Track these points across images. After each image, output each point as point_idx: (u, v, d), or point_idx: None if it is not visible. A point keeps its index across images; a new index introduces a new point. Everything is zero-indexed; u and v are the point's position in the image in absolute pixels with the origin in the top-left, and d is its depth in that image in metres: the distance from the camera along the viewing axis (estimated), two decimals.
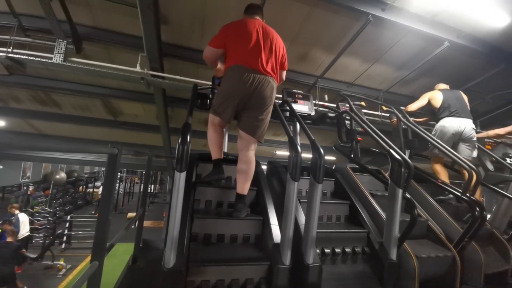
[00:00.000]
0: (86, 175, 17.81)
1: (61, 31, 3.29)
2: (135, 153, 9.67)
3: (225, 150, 2.36)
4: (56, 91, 5.13)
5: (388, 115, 4.96)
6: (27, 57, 3.38)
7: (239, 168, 1.95)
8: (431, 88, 3.69)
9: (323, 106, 4.28)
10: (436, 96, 3.42)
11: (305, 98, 2.94)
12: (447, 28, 3.70)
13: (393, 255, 1.82)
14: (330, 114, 3.31)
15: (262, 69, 1.92)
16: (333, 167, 2.87)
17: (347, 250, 1.99)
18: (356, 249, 2.01)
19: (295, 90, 2.95)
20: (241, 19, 2.13)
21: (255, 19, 2.11)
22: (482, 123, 5.50)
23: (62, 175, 13.00)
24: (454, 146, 3.23)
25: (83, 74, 3.90)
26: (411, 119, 3.19)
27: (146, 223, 6.17)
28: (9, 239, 5.50)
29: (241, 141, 1.99)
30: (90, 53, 3.87)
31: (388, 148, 1.98)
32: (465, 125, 3.18)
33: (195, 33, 3.87)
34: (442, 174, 3.19)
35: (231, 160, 2.25)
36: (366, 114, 4.19)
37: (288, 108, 2.54)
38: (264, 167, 2.61)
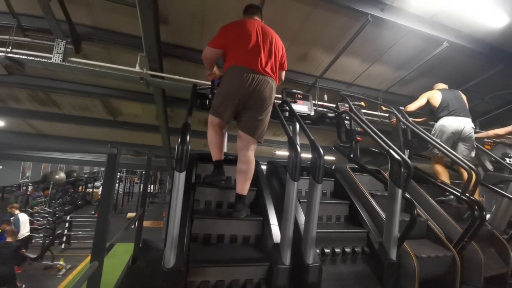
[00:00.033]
0: (85, 175, 17.80)
1: (60, 31, 3.29)
2: (134, 153, 9.67)
3: (225, 150, 2.36)
4: (55, 91, 5.12)
5: (387, 115, 4.97)
6: (26, 57, 3.37)
7: (239, 168, 1.95)
8: (430, 88, 3.70)
9: (322, 106, 4.28)
10: (435, 96, 3.43)
11: (305, 98, 2.94)
12: (446, 28, 3.70)
13: (393, 255, 1.82)
14: (329, 114, 3.31)
15: (261, 69, 1.92)
16: (333, 167, 2.87)
17: (347, 250, 1.99)
18: (356, 249, 2.01)
19: (294, 90, 2.95)
20: (240, 19, 2.14)
21: (254, 19, 2.12)
22: (481, 123, 5.51)
23: (62, 175, 13.00)
24: (453, 146, 3.24)
25: (83, 74, 3.90)
26: (410, 119, 3.19)
27: (146, 223, 6.16)
28: (9, 239, 5.50)
29: (241, 141, 1.99)
30: (90, 53, 3.87)
31: (388, 148, 1.98)
32: (464, 124, 3.18)
33: (194, 33, 3.87)
34: (443, 175, 3.18)
35: (231, 160, 2.25)
36: (365, 114, 4.19)
37: (287, 108, 2.54)
38: (263, 167, 2.61)
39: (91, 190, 17.30)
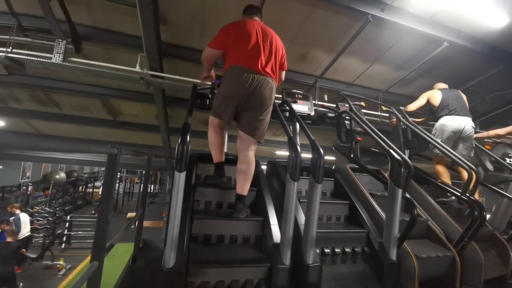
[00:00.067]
0: (86, 175, 17.81)
1: (60, 31, 3.29)
2: (134, 153, 9.67)
3: (225, 150, 2.36)
4: (55, 91, 5.12)
5: (387, 115, 4.97)
6: (26, 57, 3.38)
7: (239, 169, 1.95)
8: (430, 88, 3.69)
9: (322, 106, 4.28)
10: (435, 95, 3.42)
11: (305, 98, 2.95)
12: (446, 28, 3.70)
13: (393, 255, 1.82)
14: (329, 114, 3.31)
15: (261, 69, 1.92)
16: (333, 167, 2.87)
17: (347, 250, 1.99)
18: (356, 249, 2.01)
19: (294, 90, 2.95)
20: (240, 20, 2.15)
21: (254, 20, 2.12)
22: (481, 123, 5.51)
23: (62, 175, 13.01)
24: (453, 145, 3.23)
25: (83, 74, 3.90)
26: (410, 119, 3.19)
27: (146, 223, 6.16)
28: (9, 239, 5.51)
29: (241, 142, 1.99)
30: (90, 53, 3.87)
31: (388, 148, 1.98)
32: (465, 123, 3.18)
33: (194, 33, 3.87)
34: (445, 175, 3.15)
35: (231, 160, 2.25)
36: (365, 114, 4.19)
37: (287, 108, 2.54)
38: (264, 167, 2.61)
39: (91, 190, 17.30)
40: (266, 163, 2.91)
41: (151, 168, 6.16)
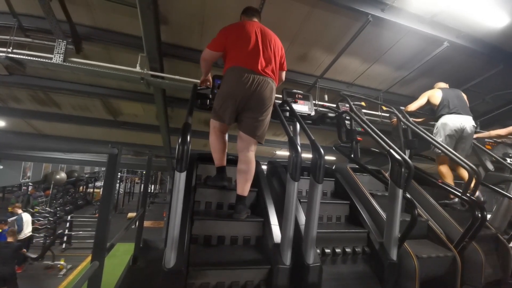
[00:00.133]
0: (86, 175, 17.81)
1: (60, 31, 3.29)
2: (135, 153, 9.67)
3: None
4: (55, 91, 5.13)
5: (388, 115, 4.97)
6: (27, 57, 3.38)
7: (239, 169, 1.95)
8: (430, 88, 3.69)
9: (323, 106, 4.27)
10: (435, 94, 3.42)
11: (305, 98, 2.94)
12: (446, 28, 3.70)
13: (394, 255, 1.82)
14: (330, 114, 3.30)
15: (261, 70, 1.93)
16: (333, 167, 2.87)
17: (348, 250, 1.99)
18: (356, 249, 2.01)
19: (295, 90, 2.95)
20: (239, 21, 2.16)
21: (253, 21, 2.13)
22: (482, 123, 5.50)
23: (63, 175, 13.01)
24: (453, 144, 3.22)
25: (83, 74, 3.90)
26: (411, 119, 3.19)
27: (146, 223, 6.17)
28: (9, 239, 5.51)
29: (241, 142, 1.99)
30: (90, 53, 3.87)
31: (388, 148, 1.98)
32: (466, 122, 3.16)
33: (194, 33, 3.88)
34: (448, 176, 3.10)
35: (232, 160, 2.25)
36: (366, 114, 4.19)
37: (288, 108, 2.54)
38: (264, 167, 2.61)
39: (92, 190, 17.31)
40: (266, 163, 2.91)
41: (152, 168, 6.16)
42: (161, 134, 6.31)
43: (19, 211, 7.12)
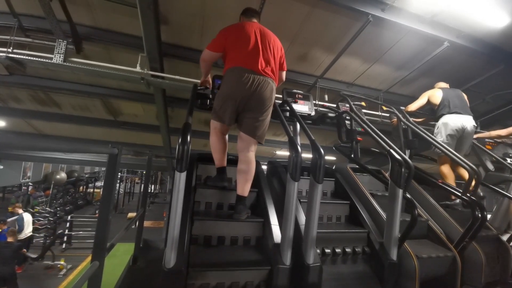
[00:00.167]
0: (86, 175, 17.82)
1: (61, 31, 3.29)
2: (135, 153, 9.68)
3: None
4: (56, 91, 5.13)
5: (388, 115, 4.96)
6: (27, 57, 3.38)
7: (239, 169, 1.95)
8: (431, 88, 3.68)
9: (323, 106, 4.27)
10: (435, 94, 3.41)
11: (305, 98, 2.94)
12: (446, 28, 3.70)
13: (394, 255, 1.82)
14: (330, 114, 3.30)
15: (261, 70, 1.93)
16: (333, 167, 2.87)
17: (348, 250, 1.98)
18: (356, 249, 2.00)
19: (295, 90, 2.95)
20: (239, 22, 2.17)
21: (252, 22, 2.14)
22: (482, 123, 5.50)
23: (63, 175, 13.02)
24: (454, 144, 3.21)
25: (83, 74, 3.91)
26: (411, 119, 3.18)
27: (147, 223, 6.17)
28: (9, 239, 5.51)
29: (241, 142, 1.99)
30: (90, 53, 3.87)
31: (388, 148, 1.98)
32: (467, 122, 3.15)
33: (195, 33, 3.88)
34: (450, 177, 3.08)
35: (232, 160, 2.25)
36: (366, 114, 4.19)
37: (288, 108, 2.54)
38: (264, 167, 2.61)
39: (92, 190, 17.32)
40: (266, 163, 2.91)
41: (152, 168, 6.16)
42: (161, 134, 6.31)
43: (20, 211, 7.13)
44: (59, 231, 8.56)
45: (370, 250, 2.03)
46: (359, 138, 2.99)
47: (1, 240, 5.69)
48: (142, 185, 14.54)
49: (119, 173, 14.72)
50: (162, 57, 3.89)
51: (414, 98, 3.85)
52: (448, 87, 3.56)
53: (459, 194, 2.31)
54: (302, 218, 1.87)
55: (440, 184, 2.59)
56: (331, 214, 2.32)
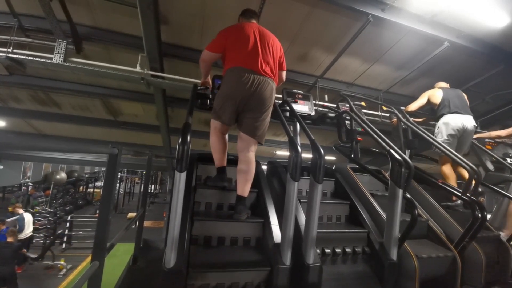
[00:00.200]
0: (86, 175, 17.81)
1: (61, 31, 3.29)
2: (135, 153, 9.68)
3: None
4: (56, 91, 5.13)
5: (388, 115, 4.96)
6: (27, 57, 3.38)
7: (239, 169, 1.95)
8: (431, 88, 3.68)
9: (323, 106, 4.27)
10: (435, 94, 3.40)
11: (305, 98, 2.94)
12: (446, 28, 3.70)
13: (394, 255, 1.82)
14: (330, 114, 3.30)
15: (261, 70, 1.93)
16: (333, 167, 2.86)
17: (348, 250, 1.98)
18: (356, 249, 2.00)
19: (295, 90, 2.95)
20: (238, 23, 2.17)
21: (251, 22, 2.15)
22: (482, 123, 5.50)
23: (63, 175, 13.01)
24: (455, 144, 3.21)
25: (83, 74, 3.91)
26: (411, 119, 3.18)
27: (147, 223, 6.18)
28: (9, 239, 5.51)
29: (241, 142, 1.99)
30: (90, 53, 3.87)
31: (388, 148, 1.98)
32: (468, 122, 3.14)
33: (195, 33, 3.88)
34: (451, 178, 3.06)
35: (232, 160, 2.25)
36: (366, 114, 4.19)
37: (288, 108, 2.54)
38: (264, 167, 2.61)
39: (92, 190, 17.31)
40: (266, 163, 2.91)
41: (152, 168, 6.16)
42: (161, 134, 6.31)
43: (20, 211, 7.13)
44: (59, 231, 8.55)
45: (370, 250, 2.03)
46: (359, 138, 2.99)
47: (1, 240, 5.69)
48: (142, 185, 14.55)
49: (119, 173, 14.72)
50: (162, 57, 3.89)
51: (414, 98, 3.84)
52: (448, 87, 3.56)
53: (459, 194, 2.31)
54: (302, 218, 1.87)
55: (440, 184, 2.59)
56: (331, 214, 2.32)
